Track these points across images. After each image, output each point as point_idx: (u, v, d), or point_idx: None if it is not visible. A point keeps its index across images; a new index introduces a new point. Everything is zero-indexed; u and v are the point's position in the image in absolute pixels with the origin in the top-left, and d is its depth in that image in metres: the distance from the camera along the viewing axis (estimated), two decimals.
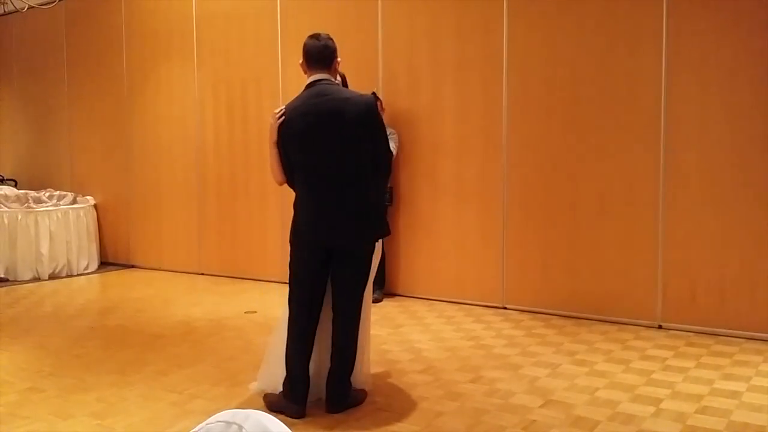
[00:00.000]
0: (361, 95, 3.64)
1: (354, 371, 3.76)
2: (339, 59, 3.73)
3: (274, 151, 3.71)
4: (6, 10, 6.33)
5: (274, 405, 3.66)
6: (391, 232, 3.78)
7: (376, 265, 3.90)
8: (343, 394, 3.69)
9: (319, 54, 3.64)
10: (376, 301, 6.24)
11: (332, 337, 3.69)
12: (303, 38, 3.79)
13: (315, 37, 3.69)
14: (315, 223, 3.61)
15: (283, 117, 3.64)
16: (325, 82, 3.63)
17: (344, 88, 3.70)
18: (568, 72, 5.58)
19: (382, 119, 3.68)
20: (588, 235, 5.55)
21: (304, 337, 3.67)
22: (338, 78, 3.83)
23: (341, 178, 3.56)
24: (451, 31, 6.14)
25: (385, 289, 6.51)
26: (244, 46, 7.51)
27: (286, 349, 3.70)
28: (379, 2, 6.51)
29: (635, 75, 5.29)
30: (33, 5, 6.66)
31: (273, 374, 3.81)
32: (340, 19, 6.73)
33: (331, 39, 3.71)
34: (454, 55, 6.13)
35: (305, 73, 3.71)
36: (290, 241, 3.75)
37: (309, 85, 3.66)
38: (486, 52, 5.96)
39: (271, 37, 7.23)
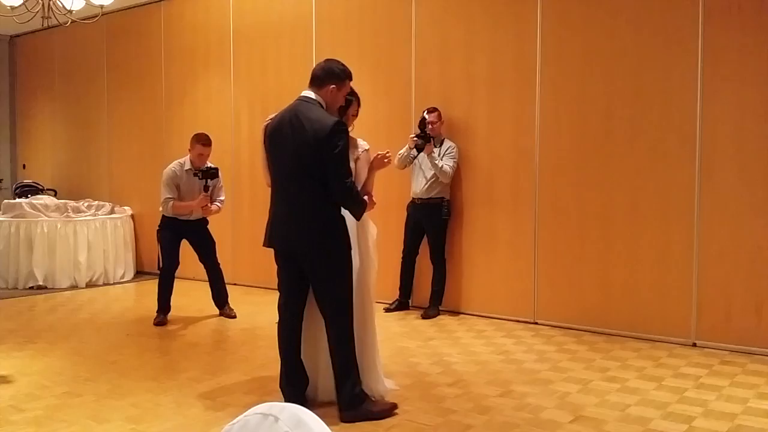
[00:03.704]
0: (327, 118, 3.66)
1: (363, 381, 3.82)
2: (333, 87, 3.76)
3: (263, 152, 3.94)
4: (49, 23, 6.48)
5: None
6: (348, 248, 3.78)
7: (371, 279, 4.02)
8: (346, 403, 3.72)
9: (314, 73, 3.83)
10: (426, 317, 6.20)
11: None
12: (337, 53, 3.92)
13: (327, 60, 3.88)
14: (271, 228, 3.85)
15: (269, 122, 3.88)
16: (305, 99, 3.78)
17: (318, 109, 3.73)
18: (601, 86, 5.57)
19: (340, 146, 3.62)
20: (621, 251, 5.51)
21: (285, 339, 3.88)
22: (324, 102, 3.80)
23: (291, 189, 3.73)
24: (484, 46, 6.17)
25: (412, 302, 6.51)
26: (279, 60, 7.63)
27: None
28: (413, 16, 6.57)
29: (670, 88, 5.26)
30: (75, 19, 6.83)
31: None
32: (374, 33, 6.82)
33: (338, 68, 3.78)
34: (487, 69, 6.15)
35: None
36: (263, 244, 3.97)
37: (295, 99, 3.85)
38: (519, 66, 5.97)
39: (306, 51, 7.33)
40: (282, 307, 3.91)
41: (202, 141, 6.06)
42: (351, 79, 3.86)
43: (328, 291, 3.76)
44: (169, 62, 8.78)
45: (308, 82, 3.84)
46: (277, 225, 3.82)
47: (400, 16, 6.66)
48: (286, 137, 3.70)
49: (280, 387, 3.90)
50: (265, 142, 3.89)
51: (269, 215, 3.91)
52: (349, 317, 3.77)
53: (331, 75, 3.77)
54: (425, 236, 6.34)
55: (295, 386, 3.86)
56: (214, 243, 6.35)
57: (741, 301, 5.02)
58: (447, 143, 6.22)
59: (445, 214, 6.23)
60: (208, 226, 6.34)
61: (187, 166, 6.08)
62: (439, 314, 6.28)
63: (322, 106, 3.75)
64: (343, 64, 3.84)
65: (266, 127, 3.88)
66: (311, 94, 3.78)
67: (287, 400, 3.75)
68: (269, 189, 3.97)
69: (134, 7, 9.05)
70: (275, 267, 3.93)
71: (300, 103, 3.77)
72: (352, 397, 3.71)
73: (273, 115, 3.91)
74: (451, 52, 6.38)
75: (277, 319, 3.96)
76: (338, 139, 3.61)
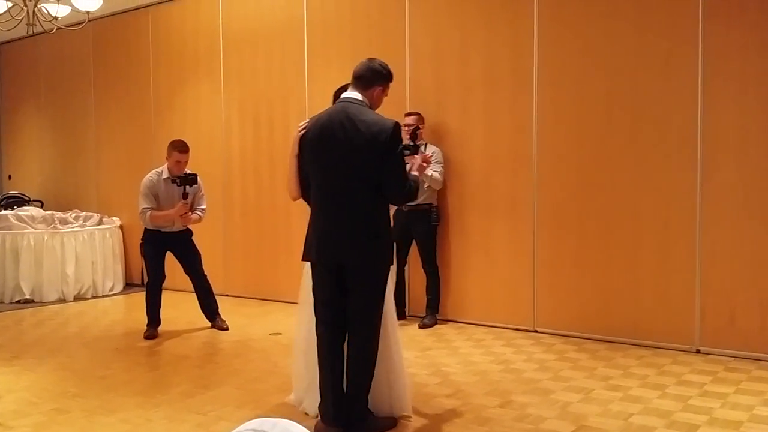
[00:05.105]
0: (384, 120, 3.55)
1: (378, 396, 3.70)
2: (380, 88, 3.67)
3: (293, 163, 3.77)
4: (34, 31, 6.39)
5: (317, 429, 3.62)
6: (392, 263, 3.68)
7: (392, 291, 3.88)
8: (354, 417, 3.59)
9: (359, 73, 3.67)
10: (424, 326, 6.09)
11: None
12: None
13: (370, 59, 3.73)
14: (318, 238, 3.63)
15: (305, 129, 3.69)
16: (352, 100, 3.62)
17: (370, 111, 3.62)
18: (600, 88, 5.50)
19: (401, 148, 3.55)
20: (623, 256, 5.43)
21: (329, 358, 3.64)
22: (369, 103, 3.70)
23: (345, 196, 3.54)
24: (479, 47, 6.09)
25: (407, 311, 6.41)
26: (270, 65, 7.54)
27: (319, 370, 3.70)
28: (407, 20, 6.50)
29: (670, 89, 5.20)
30: (61, 26, 6.72)
31: (297, 387, 4.06)
32: (367, 36, 6.72)
33: (384, 68, 3.69)
34: (482, 71, 6.08)
35: None
36: (302, 258, 3.79)
37: (338, 101, 3.68)
38: (515, 67, 5.90)
39: (298, 55, 7.24)
40: (323, 323, 3.65)
41: (179, 148, 5.95)
42: (392, 80, 3.76)
43: (365, 304, 3.59)
44: (157, 69, 8.67)
45: (351, 81, 3.69)
46: (326, 237, 3.60)
47: (393, 18, 6.58)
48: (339, 141, 3.50)
49: (321, 409, 3.65)
50: (302, 152, 3.69)
51: (313, 227, 3.69)
52: (377, 332, 3.63)
53: (378, 76, 3.66)
54: (413, 244, 6.24)
55: (331, 409, 3.59)
56: (199, 255, 6.23)
57: (745, 306, 4.95)
58: (431, 148, 6.10)
59: (434, 220, 6.15)
60: (193, 237, 6.22)
61: (165, 174, 5.97)
62: (436, 323, 6.18)
63: (369, 108, 3.64)
64: (386, 64, 3.72)
65: (303, 135, 3.67)
66: (358, 95, 3.62)
67: (326, 422, 3.58)
68: (290, 202, 3.84)
69: (121, 12, 8.94)
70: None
71: (349, 105, 3.59)
72: (361, 412, 3.60)
73: (305, 123, 3.73)
74: (445, 54, 6.30)
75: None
76: (399, 141, 3.53)
